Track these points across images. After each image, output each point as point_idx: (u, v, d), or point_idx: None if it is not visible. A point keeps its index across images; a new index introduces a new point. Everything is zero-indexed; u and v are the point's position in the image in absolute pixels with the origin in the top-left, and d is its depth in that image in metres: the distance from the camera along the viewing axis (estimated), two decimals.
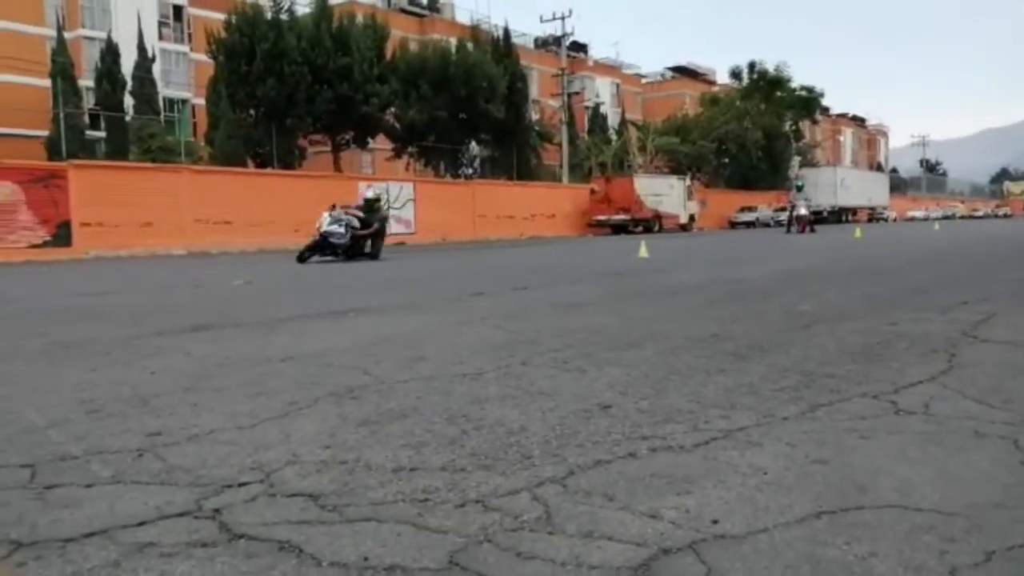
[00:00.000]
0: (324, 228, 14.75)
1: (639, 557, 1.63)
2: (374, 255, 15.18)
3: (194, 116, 42.37)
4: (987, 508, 1.84)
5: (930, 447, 2.34)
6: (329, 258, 14.74)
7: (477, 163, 39.73)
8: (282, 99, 29.90)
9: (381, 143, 38.64)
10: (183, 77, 46.25)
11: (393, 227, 28.71)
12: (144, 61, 37.17)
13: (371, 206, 15.46)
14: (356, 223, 14.93)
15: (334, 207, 15.32)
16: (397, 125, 35.69)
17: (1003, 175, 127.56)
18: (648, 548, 1.67)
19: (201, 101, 36.71)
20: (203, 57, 36.52)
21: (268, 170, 29.37)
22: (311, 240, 15.00)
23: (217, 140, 30.67)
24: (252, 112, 31.56)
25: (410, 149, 36.88)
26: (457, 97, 34.21)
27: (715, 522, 1.80)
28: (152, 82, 37.59)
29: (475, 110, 34.88)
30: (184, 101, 44.94)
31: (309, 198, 25.54)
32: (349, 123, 32.60)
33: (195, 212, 23.15)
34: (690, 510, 1.88)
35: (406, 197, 29.86)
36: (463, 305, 6.73)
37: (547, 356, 4.01)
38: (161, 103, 39.42)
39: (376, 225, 15.22)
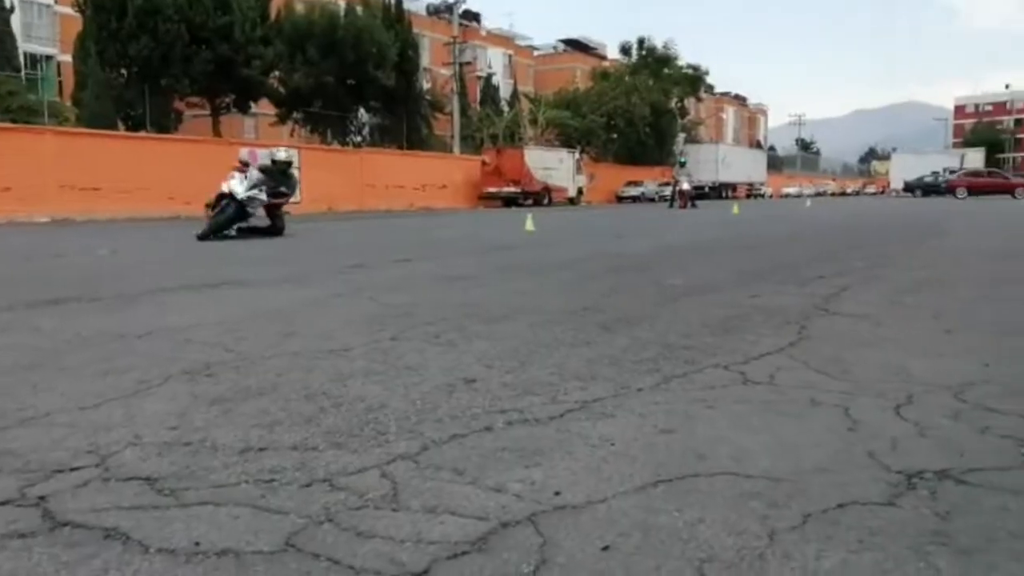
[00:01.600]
0: (243, 193, 11.73)
1: (478, 531, 1.65)
2: (278, 230, 12.49)
3: (59, 74, 39.57)
4: (811, 473, 1.96)
5: (770, 415, 2.47)
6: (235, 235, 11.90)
7: (366, 131, 38.89)
8: (156, 58, 28.24)
9: (264, 108, 37.21)
10: (47, 31, 43.00)
11: None
12: (1, 12, 34.34)
13: (283, 170, 12.91)
14: (272, 186, 12.30)
15: (245, 166, 12.48)
16: (282, 89, 34.42)
17: (871, 155, 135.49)
18: (489, 522, 1.69)
19: (67, 58, 34.31)
20: (69, 10, 34.07)
21: (141, 134, 27.76)
22: (219, 214, 11.88)
23: (85, 101, 28.72)
24: (124, 72, 29.65)
25: (295, 115, 35.69)
26: (345, 62, 33.27)
27: (557, 493, 1.85)
28: (11, 36, 34.77)
29: (364, 77, 34.05)
30: (48, 58, 41.87)
31: (185, 164, 24.40)
32: (230, 86, 31.19)
33: (59, 177, 21.67)
34: (536, 482, 1.92)
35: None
36: (341, 278, 6.60)
37: (419, 330, 3.98)
38: (22, 59, 36.57)
39: (289, 195, 12.82)
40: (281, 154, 13.71)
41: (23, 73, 35.42)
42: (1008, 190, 41.06)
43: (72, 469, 2.02)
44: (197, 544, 1.59)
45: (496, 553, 1.55)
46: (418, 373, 3.05)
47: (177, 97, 31.40)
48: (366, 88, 34.88)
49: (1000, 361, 3.18)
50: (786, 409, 2.53)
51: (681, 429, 2.33)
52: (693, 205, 29.97)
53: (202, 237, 11.56)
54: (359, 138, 37.49)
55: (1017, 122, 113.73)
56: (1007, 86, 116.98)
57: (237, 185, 11.95)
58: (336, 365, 3.22)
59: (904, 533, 1.62)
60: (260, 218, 12.53)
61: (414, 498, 1.83)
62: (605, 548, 1.56)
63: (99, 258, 9.01)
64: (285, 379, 2.98)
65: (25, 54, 38.01)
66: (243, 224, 12.15)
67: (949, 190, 42.50)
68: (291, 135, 36.99)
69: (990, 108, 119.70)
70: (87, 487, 1.91)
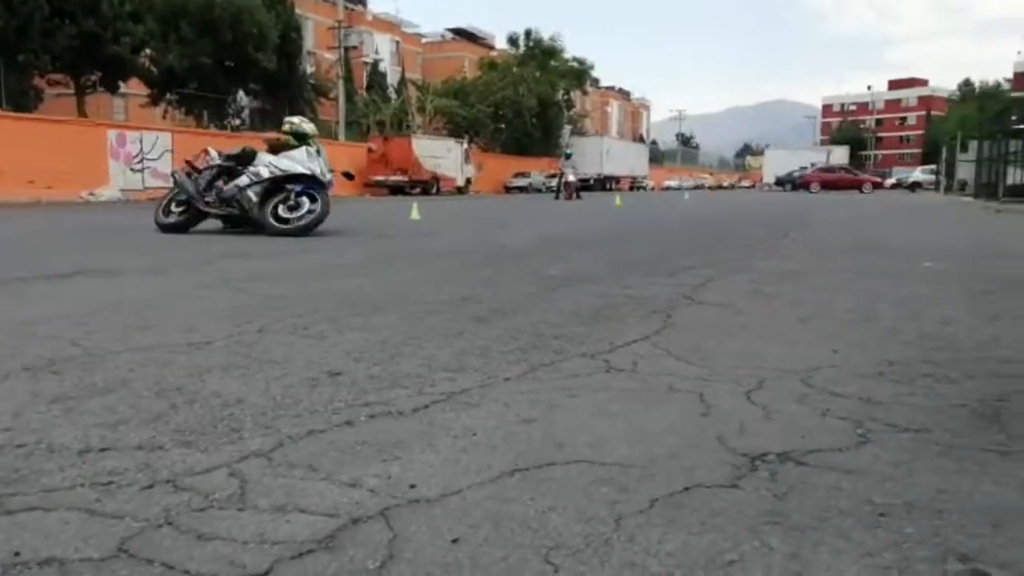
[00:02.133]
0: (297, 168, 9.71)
1: (327, 528, 1.61)
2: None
3: None
4: (663, 459, 2.02)
5: (630, 403, 2.53)
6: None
7: (246, 115, 37.55)
8: (12, 31, 26.27)
9: (136, 88, 35.33)
10: None
11: (149, 181, 26.56)
12: None
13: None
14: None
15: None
16: (154, 69, 32.76)
17: (746, 150, 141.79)
18: (339, 519, 1.66)
19: None
20: None
21: None
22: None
23: None
24: None
25: (169, 96, 34.03)
26: (223, 43, 31.96)
27: (413, 487, 1.83)
28: None
29: (244, 58, 32.82)
30: None
31: (47, 146, 22.85)
32: (96, 64, 29.39)
33: None
34: (392, 476, 1.90)
35: (163, 148, 27.59)
36: (210, 268, 6.34)
37: (288, 322, 3.87)
38: None
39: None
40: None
41: None
42: (856, 185, 44.20)
43: None
44: (17, 555, 1.48)
45: (343, 550, 1.52)
46: (281, 367, 2.96)
47: (37, 74, 29.32)
48: (246, 70, 33.67)
49: (847, 347, 3.38)
50: (645, 396, 2.61)
51: (543, 418, 2.36)
52: (578, 196, 30.53)
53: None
54: (238, 122, 36.14)
55: (878, 122, 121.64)
56: (869, 87, 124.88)
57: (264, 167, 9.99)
58: (194, 359, 3.08)
59: (743, 514, 1.69)
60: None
61: (262, 497, 1.77)
62: (455, 540, 1.56)
63: None
64: (136, 375, 2.82)
65: None
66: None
67: (803, 185, 45.01)
68: (164, 117, 35.22)
69: (854, 108, 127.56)
70: None
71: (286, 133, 10.64)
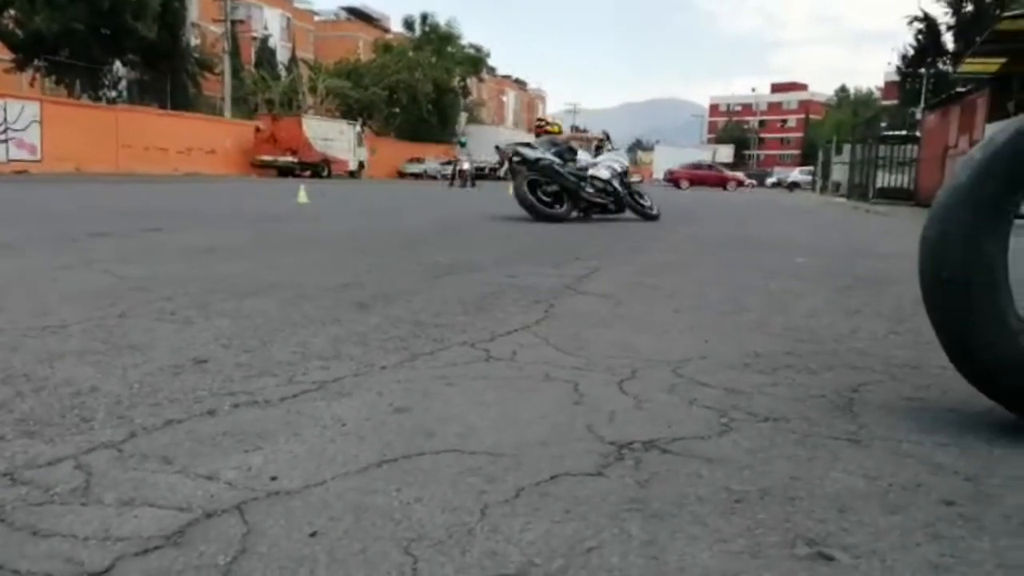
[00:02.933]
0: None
1: (177, 523, 1.53)
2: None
3: None
4: (532, 447, 2.04)
5: (505, 391, 2.54)
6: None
7: (123, 86, 35.58)
8: None
9: None
10: None
11: (13, 152, 24.81)
12: None
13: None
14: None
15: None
16: (19, 32, 30.55)
17: (637, 145, 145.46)
18: (191, 513, 1.58)
19: None
20: None
21: None
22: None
23: None
24: None
25: (37, 63, 31.84)
26: (98, 9, 30.17)
27: (274, 479, 1.77)
28: None
29: (121, 26, 31.07)
30: None
31: None
32: None
33: None
34: (252, 468, 1.83)
35: (30, 118, 25.83)
36: (73, 247, 5.97)
37: (155, 306, 3.69)
38: None
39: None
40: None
41: None
42: (722, 183, 46.57)
43: None
44: None
45: (192, 546, 1.45)
46: (143, 353, 2.82)
47: None
48: (123, 39, 31.91)
49: (717, 338, 3.50)
50: (521, 385, 2.62)
51: (416, 407, 2.34)
52: (472, 185, 30.54)
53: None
54: (114, 93, 34.22)
55: (761, 123, 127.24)
56: (753, 89, 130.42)
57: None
58: (47, 344, 2.89)
59: (606, 502, 1.72)
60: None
61: (109, 491, 1.67)
62: (313, 534, 1.52)
63: None
64: None
65: None
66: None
67: (672, 181, 46.76)
68: (31, 85, 32.95)
69: (739, 108, 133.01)
70: None
71: (556, 133, 13.05)
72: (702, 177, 46.70)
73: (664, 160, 64.27)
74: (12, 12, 29.94)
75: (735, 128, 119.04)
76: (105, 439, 1.96)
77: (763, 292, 5.02)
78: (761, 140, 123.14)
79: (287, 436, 2.05)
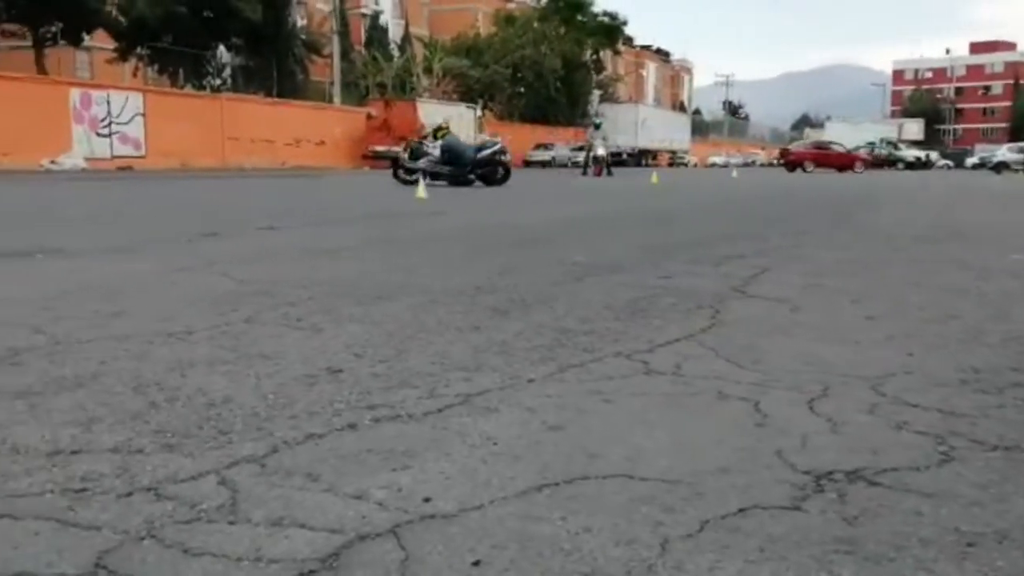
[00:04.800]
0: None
1: (331, 546, 1.63)
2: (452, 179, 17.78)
3: None
4: (712, 474, 2.02)
5: (671, 410, 2.54)
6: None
7: (227, 73, 37.69)
8: None
9: (102, 41, 35.54)
10: None
11: (117, 147, 26.73)
12: None
13: (435, 135, 18.73)
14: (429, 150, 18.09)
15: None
16: (122, 19, 32.95)
17: (804, 122, 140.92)
18: (344, 535, 1.67)
19: None
20: None
21: None
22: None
23: None
24: None
25: (139, 51, 34.23)
26: None
27: (427, 500, 1.84)
28: None
29: (224, 8, 32.97)
30: None
31: (1, 106, 23.06)
32: (55, 12, 29.57)
33: None
34: (403, 488, 1.91)
35: (133, 110, 27.77)
36: (189, 248, 6.40)
37: (279, 311, 3.90)
38: None
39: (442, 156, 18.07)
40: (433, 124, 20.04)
41: None
42: (849, 164, 44.33)
43: None
44: None
45: (348, 571, 1.54)
46: (274, 362, 2.99)
47: None
48: (227, 22, 33.81)
49: (923, 350, 3.36)
50: (690, 403, 2.61)
51: (572, 425, 2.37)
52: (609, 173, 30.44)
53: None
54: (218, 81, 36.28)
55: (957, 91, 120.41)
56: (947, 51, 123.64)
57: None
58: (174, 351, 3.11)
59: (808, 540, 1.69)
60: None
61: (256, 509, 1.79)
62: (476, 563, 1.57)
63: None
64: (109, 367, 2.86)
65: None
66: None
67: (793, 163, 44.72)
68: (134, 75, 35.46)
69: (930, 74, 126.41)
70: None
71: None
72: (825, 157, 45.07)
73: (837, 139, 61.93)
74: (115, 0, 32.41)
75: (925, 98, 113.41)
76: (246, 453, 2.10)
77: (974, 295, 4.77)
78: (958, 112, 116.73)
79: (435, 454, 2.13)
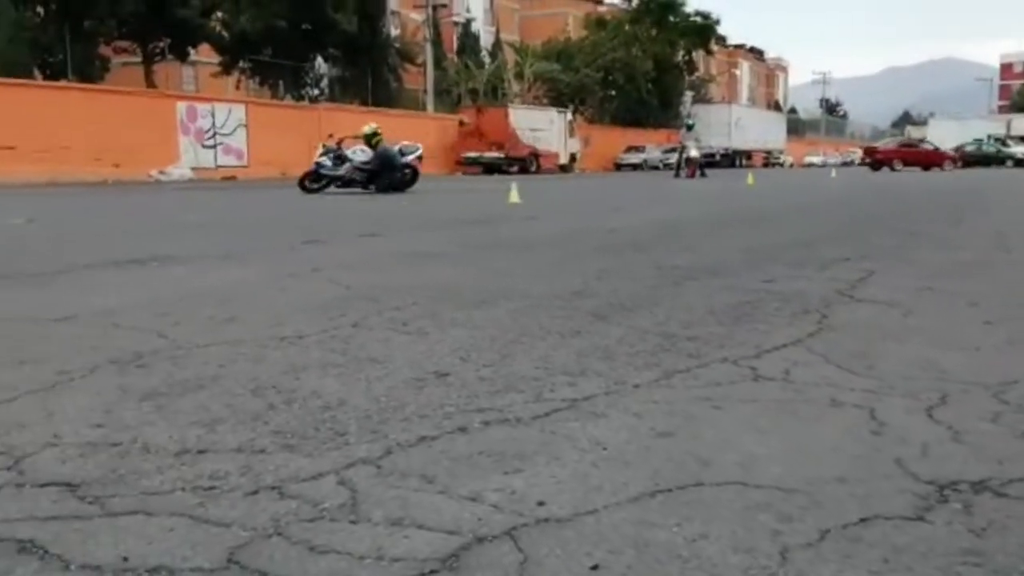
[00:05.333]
0: (316, 159, 17.01)
1: (449, 547, 1.66)
2: (384, 188, 16.82)
3: None
4: (829, 483, 1.99)
5: (783, 417, 2.50)
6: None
7: (325, 83, 38.63)
8: None
9: (206, 55, 36.89)
10: None
11: (221, 158, 27.70)
12: None
13: (368, 141, 17.04)
14: (351, 155, 16.87)
15: (330, 137, 17.48)
16: (225, 34, 34.13)
17: (905, 119, 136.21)
18: (461, 536, 1.71)
19: None
20: None
21: (62, 83, 27.42)
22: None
23: None
24: (40, 11, 29.29)
25: (242, 64, 35.41)
26: (299, 3, 32.99)
27: (541, 504, 1.86)
28: None
29: (322, 20, 33.79)
30: None
31: (114, 120, 24.15)
32: (164, 29, 30.87)
33: None
34: (516, 491, 1.93)
35: (236, 122, 28.74)
36: (294, 255, 6.59)
37: (385, 316, 3.99)
38: None
39: (375, 163, 16.87)
40: (366, 128, 17.51)
41: None
42: (938, 162, 42.51)
43: None
44: (125, 560, 1.59)
45: (469, 572, 1.57)
46: (383, 366, 3.06)
47: (103, 41, 31.05)
48: (324, 34, 34.64)
49: None
50: (802, 410, 2.56)
51: (682, 432, 2.36)
52: (702, 174, 30.05)
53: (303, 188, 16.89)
54: (316, 92, 37.23)
55: None
56: None
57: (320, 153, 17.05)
58: (287, 355, 3.21)
59: (934, 552, 1.65)
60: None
61: (376, 508, 1.83)
62: (594, 567, 1.58)
63: (13, 228, 8.92)
64: (228, 370, 2.97)
65: None
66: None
67: (878, 162, 42.98)
68: (237, 87, 36.70)
69: None
70: None
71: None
72: (914, 156, 43.44)
73: (942, 136, 59.69)
74: (219, 14, 33.55)
75: None
76: (362, 455, 2.16)
77: None
78: None
79: (546, 458, 2.15)
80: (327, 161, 16.76)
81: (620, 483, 1.99)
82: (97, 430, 2.34)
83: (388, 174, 16.95)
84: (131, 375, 2.91)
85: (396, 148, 17.47)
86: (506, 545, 1.67)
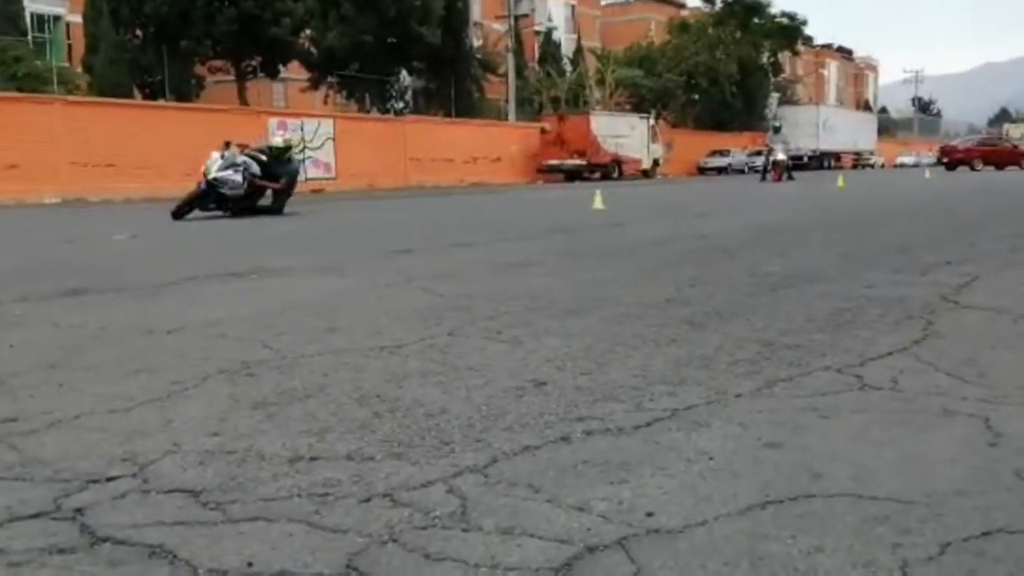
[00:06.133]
0: (214, 174, 13.02)
1: (562, 556, 1.67)
2: (276, 209, 13.87)
3: (69, 37, 40.70)
4: (948, 495, 1.93)
5: (894, 427, 2.43)
6: (216, 212, 13.19)
7: (409, 96, 39.19)
8: (175, 17, 28.95)
9: (295, 72, 37.81)
10: None
11: (311, 171, 28.34)
12: None
13: (279, 155, 14.17)
14: (256, 168, 13.46)
15: (228, 146, 13.75)
16: (313, 51, 34.97)
17: (1003, 116, 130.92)
18: (573, 546, 1.71)
19: (78, 19, 35.20)
20: None
21: (159, 102, 28.51)
22: (194, 189, 13.27)
23: (97, 66, 29.63)
24: (139, 32, 30.50)
25: (329, 79, 36.23)
26: (385, 18, 33.56)
27: (650, 515, 1.86)
28: None
29: (406, 34, 34.30)
30: (57, 18, 43.05)
31: (208, 136, 24.85)
32: (256, 47, 31.77)
33: (71, 152, 22.45)
34: (623, 501, 1.93)
35: (324, 135, 29.40)
36: (387, 265, 6.70)
37: (479, 325, 4.03)
38: (28, 20, 37.76)
39: (283, 181, 13.98)
40: (278, 140, 15.49)
41: (30, 36, 36.58)
42: (1016, 160, 40.91)
43: (108, 479, 2.11)
44: (250, 564, 1.65)
45: None
46: (481, 374, 3.09)
47: (198, 61, 32.16)
48: (409, 47, 35.17)
49: None
50: (914, 420, 2.49)
51: (790, 442, 2.32)
52: (790, 177, 29.46)
53: (174, 214, 12.99)
54: (401, 104, 37.81)
55: None
56: None
57: (211, 165, 13.27)
58: (388, 364, 3.28)
59: None
60: (267, 198, 13.98)
61: (486, 517, 1.86)
62: None
63: (117, 243, 9.30)
64: (332, 380, 3.05)
65: (31, 14, 39.24)
66: (229, 202, 13.39)
67: (956, 162, 41.28)
68: (325, 102, 37.55)
69: None
70: (125, 499, 1.99)
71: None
72: (996, 155, 41.75)
73: None
74: (308, 32, 34.38)
75: None
76: (469, 463, 2.19)
77: None
78: None
79: (651, 469, 2.14)
80: (232, 175, 13.09)
81: (729, 494, 1.97)
82: (213, 438, 2.42)
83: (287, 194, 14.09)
84: (241, 384, 3.01)
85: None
86: (618, 555, 1.67)
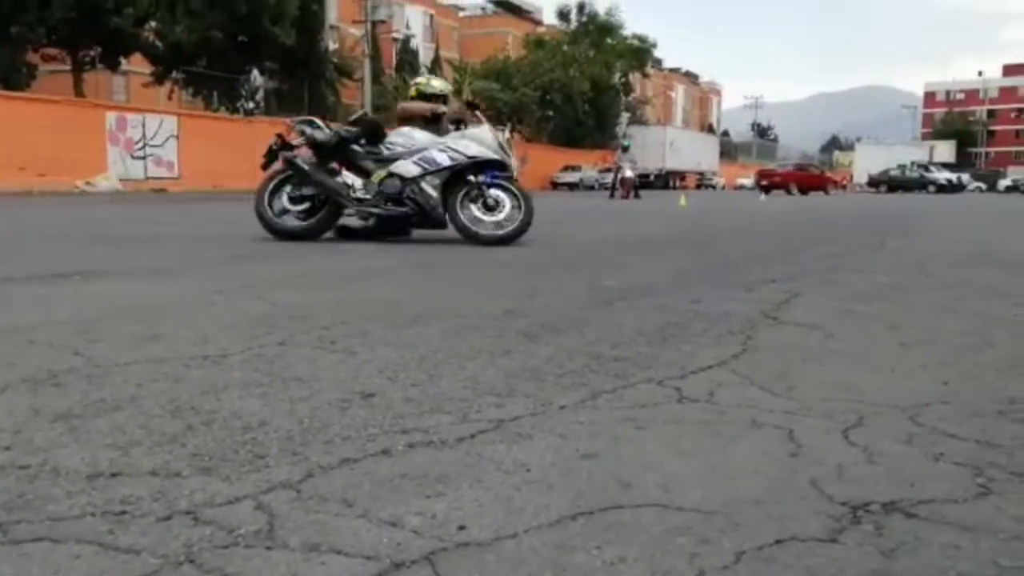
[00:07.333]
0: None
1: (366, 573, 1.63)
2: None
3: None
4: (746, 504, 2.01)
5: (705, 438, 2.53)
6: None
7: (260, 96, 38.16)
8: (7, 1, 27.13)
9: (138, 65, 36.20)
10: None
11: (152, 170, 27.14)
12: None
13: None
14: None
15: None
16: (159, 44, 33.55)
17: (833, 144, 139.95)
18: (380, 562, 1.68)
19: None
20: None
21: None
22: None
23: None
24: None
25: (175, 74, 34.82)
26: (236, 14, 32.60)
27: (462, 528, 1.85)
28: None
29: (258, 32, 33.45)
30: None
31: (40, 129, 23.50)
32: (95, 37, 30.19)
33: None
34: (437, 515, 1.92)
35: (167, 133, 28.20)
36: (224, 270, 6.47)
37: (313, 335, 3.93)
38: None
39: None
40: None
41: None
42: (823, 185, 45.98)
43: None
44: None
45: None
46: (308, 385, 3.01)
47: (30, 47, 30.20)
48: (261, 46, 34.29)
49: (959, 379, 3.32)
50: (724, 431, 2.60)
51: (606, 453, 2.37)
52: (636, 195, 30.49)
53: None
54: (251, 104, 36.75)
55: (990, 113, 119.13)
56: (980, 73, 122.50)
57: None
58: (209, 375, 3.14)
59: (845, 573, 1.68)
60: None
61: (293, 534, 1.80)
62: None
63: None
64: (147, 390, 2.89)
65: None
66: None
67: (770, 186, 45.51)
68: (169, 98, 36.02)
69: (962, 96, 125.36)
70: None
71: (415, 97, 9.98)
72: (807, 180, 46.40)
73: (868, 161, 61.56)
74: (153, 24, 32.94)
75: (956, 120, 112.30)
76: (282, 478, 2.12)
77: (1011, 323, 4.71)
78: (990, 134, 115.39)
79: (469, 481, 2.13)
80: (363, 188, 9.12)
81: (542, 506, 1.99)
82: (4, 452, 2.25)
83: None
84: (45, 395, 2.82)
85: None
86: (424, 571, 1.65)
